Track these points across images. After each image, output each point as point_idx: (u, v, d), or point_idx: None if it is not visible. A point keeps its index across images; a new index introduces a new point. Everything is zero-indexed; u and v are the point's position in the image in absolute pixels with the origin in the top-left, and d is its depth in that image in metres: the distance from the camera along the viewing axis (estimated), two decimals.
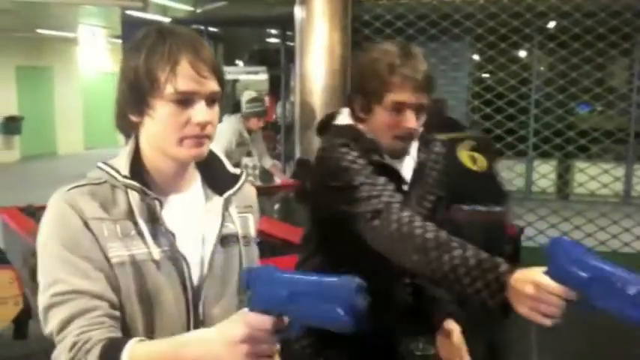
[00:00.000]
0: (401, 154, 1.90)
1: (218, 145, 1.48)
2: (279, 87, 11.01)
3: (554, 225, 6.13)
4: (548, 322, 1.30)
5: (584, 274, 1.19)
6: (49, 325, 1.21)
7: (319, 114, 5.12)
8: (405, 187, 1.90)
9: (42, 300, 1.22)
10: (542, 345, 3.82)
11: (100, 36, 14.70)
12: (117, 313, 1.24)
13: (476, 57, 9.44)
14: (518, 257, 4.17)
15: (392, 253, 1.70)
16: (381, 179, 1.78)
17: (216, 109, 1.32)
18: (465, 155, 3.69)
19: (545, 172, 7.19)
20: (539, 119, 7.68)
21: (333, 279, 1.02)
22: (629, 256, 6.01)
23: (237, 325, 1.05)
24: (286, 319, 1.06)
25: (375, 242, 1.72)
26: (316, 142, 5.63)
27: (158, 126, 1.28)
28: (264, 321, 1.05)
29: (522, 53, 9.21)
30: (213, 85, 1.29)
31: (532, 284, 1.31)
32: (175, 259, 1.31)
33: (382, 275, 1.77)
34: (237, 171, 1.47)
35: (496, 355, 3.68)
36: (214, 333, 1.08)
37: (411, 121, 1.80)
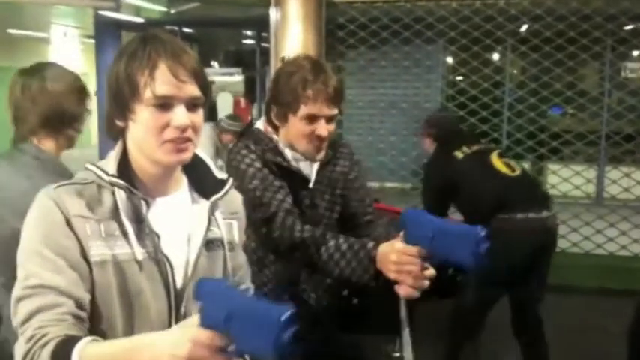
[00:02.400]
0: (314, 157, 2.06)
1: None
2: (254, 89, 10.98)
3: None
4: (414, 292, 1.54)
5: (428, 233, 1.45)
6: (17, 316, 1.23)
7: None
8: (310, 185, 2.11)
9: (15, 292, 1.25)
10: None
11: (72, 36, 14.55)
12: (82, 314, 1.26)
13: (449, 60, 9.49)
14: None
15: (281, 256, 1.98)
16: (275, 184, 1.97)
17: (199, 113, 1.34)
18: (499, 163, 3.65)
19: None
20: (512, 122, 7.75)
21: (265, 307, 0.97)
22: (601, 257, 6.09)
23: (184, 338, 1.03)
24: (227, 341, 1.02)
25: (266, 247, 2.00)
26: None
27: (140, 130, 1.31)
28: (209, 338, 1.01)
29: (495, 56, 9.29)
30: (192, 90, 1.30)
31: (394, 252, 1.56)
32: (158, 260, 1.34)
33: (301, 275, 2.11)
34: (223, 176, 1.50)
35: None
36: (165, 342, 1.06)
37: (323, 130, 1.98)
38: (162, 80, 1.28)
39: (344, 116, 7.81)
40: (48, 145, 2.01)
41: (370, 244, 1.74)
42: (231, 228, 1.50)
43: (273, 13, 5.19)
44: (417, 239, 1.51)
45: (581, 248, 6.12)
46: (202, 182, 1.46)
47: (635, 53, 8.99)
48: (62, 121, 2.01)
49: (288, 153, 2.07)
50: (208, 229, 1.42)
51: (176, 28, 10.69)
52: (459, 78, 7.53)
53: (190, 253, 1.39)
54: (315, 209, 2.13)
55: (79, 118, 2.07)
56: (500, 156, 3.73)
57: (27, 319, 1.21)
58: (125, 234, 1.31)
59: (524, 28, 7.43)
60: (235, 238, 1.51)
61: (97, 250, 1.28)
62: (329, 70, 1.99)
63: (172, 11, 9.40)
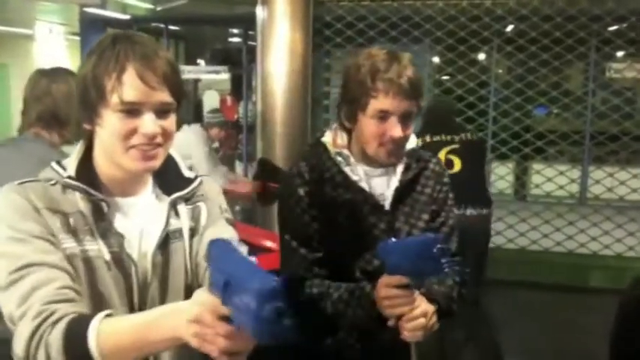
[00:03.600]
0: (388, 164, 1.82)
1: (196, 156, 1.49)
2: (241, 87, 10.95)
3: (511, 226, 6.22)
4: (418, 335, 1.58)
5: (399, 258, 1.49)
6: (8, 305, 1.17)
7: (280, 114, 5.12)
8: (387, 206, 1.84)
9: (0, 282, 1.20)
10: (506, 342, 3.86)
11: (57, 33, 14.44)
12: (77, 286, 1.22)
13: (436, 59, 9.51)
14: None
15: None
16: (303, 247, 1.79)
17: (171, 119, 1.29)
18: (442, 159, 3.69)
19: (503, 174, 7.29)
20: (498, 121, 7.78)
21: (250, 277, 0.89)
22: (585, 257, 6.14)
23: (195, 303, 1.02)
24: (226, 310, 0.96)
25: None
26: (277, 142, 5.62)
27: (107, 135, 1.26)
28: (212, 303, 0.98)
29: (481, 56, 9.32)
30: (162, 96, 1.26)
31: (380, 288, 1.57)
32: (123, 260, 1.31)
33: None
34: (191, 174, 1.46)
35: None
36: (180, 309, 1.04)
37: (396, 129, 1.71)
38: (130, 85, 1.22)
39: (330, 115, 7.83)
40: (43, 137, 2.23)
41: (368, 287, 1.67)
42: (197, 211, 1.44)
43: (260, 11, 5.18)
44: (395, 268, 1.52)
45: (565, 247, 6.16)
46: (168, 180, 1.43)
47: (619, 54, 9.04)
48: (57, 121, 2.21)
49: (360, 170, 1.82)
50: (167, 224, 1.38)
51: (162, 25, 10.64)
52: (445, 77, 7.53)
53: (149, 253, 1.35)
54: (392, 234, 1.81)
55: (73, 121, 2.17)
56: (451, 152, 3.77)
57: (24, 300, 1.15)
58: (92, 232, 1.28)
59: (509, 28, 7.47)
60: (202, 220, 1.44)
61: (68, 244, 1.25)
62: (405, 60, 1.71)
63: (159, 8, 9.35)
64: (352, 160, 1.82)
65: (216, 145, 5.68)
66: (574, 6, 6.08)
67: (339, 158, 1.83)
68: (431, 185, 1.91)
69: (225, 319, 0.97)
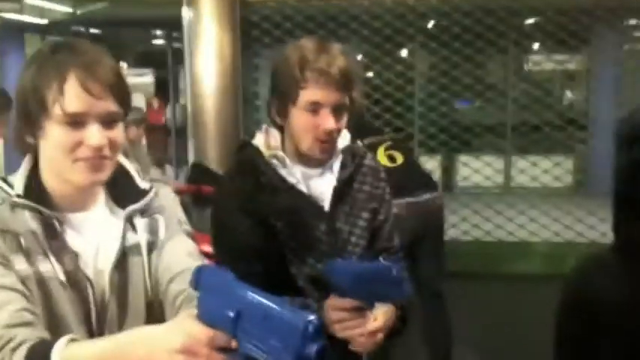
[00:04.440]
0: (322, 161, 1.75)
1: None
2: (166, 89, 10.80)
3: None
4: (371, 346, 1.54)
5: (350, 282, 1.47)
6: None
7: (211, 116, 5.09)
8: (326, 207, 1.75)
9: None
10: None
11: None
12: (34, 308, 1.16)
13: (362, 58, 9.63)
14: None
15: None
16: (237, 260, 1.60)
17: (118, 129, 1.23)
18: (382, 156, 3.75)
19: (431, 168, 7.45)
20: (424, 116, 7.95)
21: (287, 312, 0.84)
22: (513, 245, 6.33)
23: (179, 331, 0.94)
24: (234, 342, 0.90)
25: None
26: (210, 144, 5.56)
27: (51, 148, 1.20)
28: (207, 335, 0.91)
29: (406, 53, 9.49)
30: (108, 106, 1.19)
31: (330, 310, 1.53)
32: (79, 279, 1.24)
33: None
34: (146, 185, 1.38)
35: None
36: (159, 335, 0.97)
37: (329, 121, 1.63)
38: (72, 95, 1.15)
39: (261, 115, 7.82)
40: None
41: (314, 306, 1.58)
42: (155, 224, 1.35)
43: (187, 13, 5.13)
44: (343, 290, 1.49)
45: (494, 237, 6.32)
46: (121, 192, 1.34)
47: (535, 46, 9.38)
48: None
49: (298, 171, 1.72)
50: (124, 239, 1.30)
51: (82, 29, 10.38)
52: (370, 75, 7.64)
53: (106, 271, 1.27)
54: (334, 235, 1.75)
55: None
56: (388, 148, 3.85)
57: None
58: (44, 252, 1.21)
59: (431, 24, 7.64)
60: (160, 234, 1.34)
61: (20, 266, 1.18)
62: (334, 50, 1.64)
63: (79, 12, 9.11)
64: (288, 161, 1.72)
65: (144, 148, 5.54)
66: (493, 1, 6.27)
67: (275, 161, 1.72)
68: (369, 182, 1.85)
69: (224, 350, 0.91)
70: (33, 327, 1.11)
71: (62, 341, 1.04)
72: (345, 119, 1.69)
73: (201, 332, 0.91)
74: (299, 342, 0.81)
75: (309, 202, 1.73)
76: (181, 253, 1.32)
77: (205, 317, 0.92)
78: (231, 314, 0.88)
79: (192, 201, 4.82)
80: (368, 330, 1.51)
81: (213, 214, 1.80)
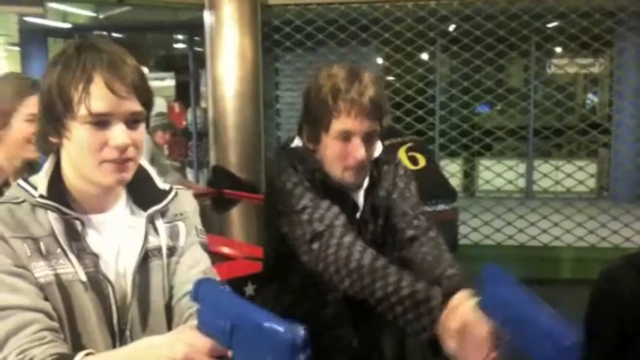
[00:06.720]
0: (353, 187, 1.78)
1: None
2: (187, 93, 10.86)
3: (464, 222, 6.32)
4: None
5: (510, 310, 1.15)
6: None
7: (232, 119, 5.09)
8: (358, 214, 1.80)
9: None
10: None
11: None
12: (56, 325, 1.17)
13: (384, 61, 9.63)
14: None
15: (328, 277, 1.60)
16: (325, 202, 1.67)
17: (141, 129, 1.24)
18: (404, 157, 3.70)
19: (453, 171, 7.41)
20: (445, 120, 7.91)
21: (276, 326, 0.88)
22: (536, 249, 6.27)
23: (180, 340, 1.00)
24: (230, 353, 0.96)
25: (312, 264, 1.64)
26: (230, 148, 5.57)
27: (76, 149, 1.21)
28: (206, 345, 0.97)
29: (427, 56, 9.47)
30: (132, 106, 1.20)
31: (459, 318, 1.30)
32: (99, 281, 1.24)
33: (331, 307, 1.80)
34: (166, 186, 1.39)
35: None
36: (161, 344, 1.03)
37: (360, 151, 1.67)
38: (98, 96, 1.16)
39: (282, 118, 7.83)
40: None
41: (435, 301, 1.40)
42: (176, 230, 1.37)
43: (208, 17, 5.15)
44: (493, 309, 1.20)
45: (516, 241, 6.27)
46: (142, 193, 1.35)
47: (558, 50, 9.31)
48: None
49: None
50: (146, 241, 1.31)
51: (105, 33, 10.48)
52: (392, 78, 7.63)
53: (128, 271, 1.29)
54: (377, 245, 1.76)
55: None
56: (409, 150, 3.81)
57: (0, 348, 1.10)
58: (65, 253, 1.21)
59: (452, 27, 7.60)
60: (180, 240, 1.37)
61: (41, 272, 1.18)
62: (366, 79, 1.67)
63: (101, 16, 9.20)
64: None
65: (165, 152, 5.58)
66: (515, 4, 6.22)
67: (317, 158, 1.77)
68: (389, 186, 1.89)
69: (222, 359, 0.96)
70: (50, 344, 1.12)
71: (78, 356, 1.08)
72: (375, 146, 1.76)
73: (201, 342, 0.97)
74: (288, 354, 0.85)
75: (355, 209, 1.80)
76: (197, 271, 1.36)
77: (204, 328, 0.98)
78: (227, 326, 0.93)
79: (213, 204, 4.83)
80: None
81: (276, 197, 1.76)
